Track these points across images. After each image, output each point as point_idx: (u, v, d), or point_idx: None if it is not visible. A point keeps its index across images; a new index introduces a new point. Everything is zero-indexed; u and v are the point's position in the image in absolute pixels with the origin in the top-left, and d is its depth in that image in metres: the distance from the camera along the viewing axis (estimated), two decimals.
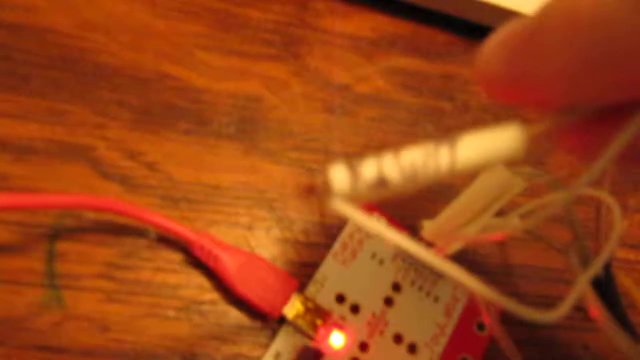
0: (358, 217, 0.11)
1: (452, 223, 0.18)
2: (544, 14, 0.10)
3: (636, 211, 0.24)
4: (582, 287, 0.14)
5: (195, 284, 0.18)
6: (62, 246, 0.17)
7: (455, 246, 0.19)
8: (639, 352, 0.19)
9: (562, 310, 0.13)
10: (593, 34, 0.09)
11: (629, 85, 0.09)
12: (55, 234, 0.17)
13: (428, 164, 0.10)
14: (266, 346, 0.18)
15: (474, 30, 0.24)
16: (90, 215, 0.18)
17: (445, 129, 0.22)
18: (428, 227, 0.19)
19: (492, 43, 0.11)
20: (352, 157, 0.10)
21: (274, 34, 0.22)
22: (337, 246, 0.19)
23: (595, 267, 0.16)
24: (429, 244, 0.19)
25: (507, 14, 0.23)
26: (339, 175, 0.10)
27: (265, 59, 0.21)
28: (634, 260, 0.23)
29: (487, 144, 0.11)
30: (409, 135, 0.22)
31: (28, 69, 0.19)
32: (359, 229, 0.20)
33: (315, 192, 0.11)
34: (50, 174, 0.18)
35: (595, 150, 0.11)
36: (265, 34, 0.22)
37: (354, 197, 0.11)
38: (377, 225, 0.11)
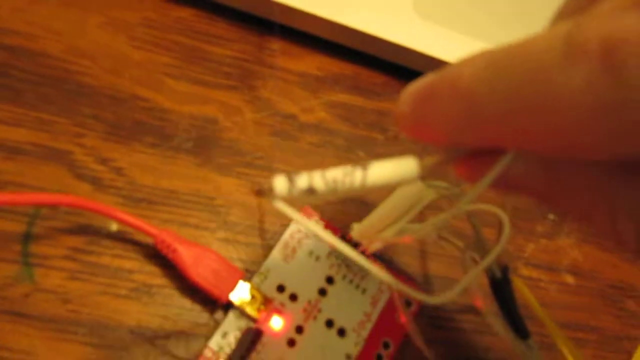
0: (294, 214, 0.15)
1: (375, 226, 0.22)
2: (440, 77, 0.13)
3: (541, 236, 0.28)
4: (470, 278, 0.18)
5: (146, 270, 0.22)
6: (36, 230, 0.22)
7: (376, 245, 0.23)
8: (522, 347, 0.23)
9: (448, 295, 0.17)
10: (464, 101, 0.12)
11: (489, 141, 0.13)
12: (32, 221, 0.22)
13: (345, 180, 0.15)
14: (204, 325, 0.22)
15: (408, 74, 0.29)
16: (63, 208, 0.22)
17: (376, 155, 0.27)
18: (356, 229, 0.23)
19: (407, 91, 0.15)
20: (291, 172, 0.15)
21: (233, 67, 0.27)
22: (280, 244, 0.24)
23: (486, 262, 0.20)
24: (357, 243, 0.23)
25: (435, 62, 0.28)
26: (279, 183, 0.15)
27: (224, 88, 0.26)
28: (537, 278, 0.27)
29: (390, 170, 0.15)
30: (344, 159, 0.26)
31: (23, 85, 0.24)
32: (299, 230, 0.24)
33: (263, 193, 0.15)
34: (34, 171, 0.22)
35: (477, 178, 0.15)
36: (225, 68, 0.27)
37: (291, 200, 0.15)
38: (307, 222, 0.15)
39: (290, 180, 0.14)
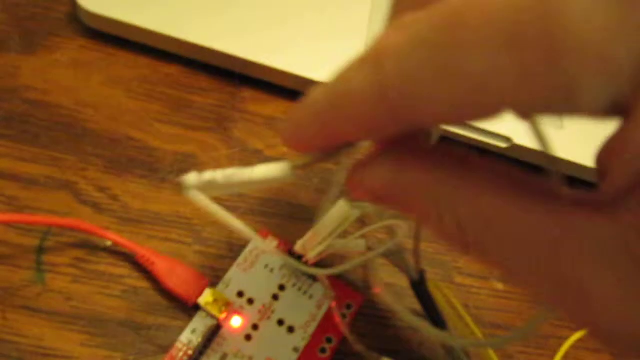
0: (205, 203, 0.21)
1: (311, 242, 0.28)
2: (302, 102, 0.18)
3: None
4: (361, 259, 0.24)
5: (133, 276, 0.28)
6: (48, 244, 0.28)
7: (312, 256, 0.29)
8: (441, 336, 0.28)
9: (339, 268, 0.23)
10: (310, 112, 0.18)
11: (333, 137, 0.17)
12: (45, 237, 0.28)
13: (238, 174, 0.20)
14: (180, 319, 0.27)
15: None
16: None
17: (329, 182, 0.32)
18: (298, 244, 0.29)
19: (288, 116, 0.20)
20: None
21: (211, 113, 0.33)
22: (240, 258, 0.29)
23: (377, 252, 0.25)
24: (300, 255, 0.29)
25: None
26: (190, 177, 0.21)
27: (202, 130, 0.32)
28: (469, 285, 0.32)
29: (269, 168, 0.21)
30: (302, 187, 0.32)
31: (39, 129, 0.30)
32: (257, 247, 0.30)
33: (182, 188, 0.21)
34: (46, 198, 0.29)
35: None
36: (203, 113, 0.33)
37: (202, 190, 0.21)
38: (220, 212, 0.21)
39: (199, 175, 0.20)
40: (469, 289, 0.32)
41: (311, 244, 0.28)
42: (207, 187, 0.20)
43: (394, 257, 0.28)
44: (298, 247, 0.29)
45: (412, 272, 0.28)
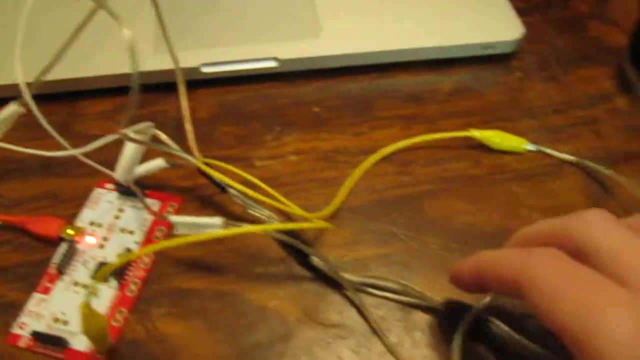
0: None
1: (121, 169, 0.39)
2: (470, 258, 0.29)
3: (270, 141, 0.44)
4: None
5: (19, 235, 0.40)
6: None
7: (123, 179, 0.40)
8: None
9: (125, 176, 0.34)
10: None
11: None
12: None
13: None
14: (53, 250, 0.39)
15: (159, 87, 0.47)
16: None
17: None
18: (116, 175, 0.40)
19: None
20: None
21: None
22: (87, 202, 0.41)
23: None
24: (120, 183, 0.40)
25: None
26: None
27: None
28: (268, 165, 0.43)
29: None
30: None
31: None
32: (100, 192, 0.41)
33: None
34: None
35: None
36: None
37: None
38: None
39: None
40: (268, 167, 0.43)
41: (122, 171, 0.40)
42: None
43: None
44: (117, 177, 0.40)
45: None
